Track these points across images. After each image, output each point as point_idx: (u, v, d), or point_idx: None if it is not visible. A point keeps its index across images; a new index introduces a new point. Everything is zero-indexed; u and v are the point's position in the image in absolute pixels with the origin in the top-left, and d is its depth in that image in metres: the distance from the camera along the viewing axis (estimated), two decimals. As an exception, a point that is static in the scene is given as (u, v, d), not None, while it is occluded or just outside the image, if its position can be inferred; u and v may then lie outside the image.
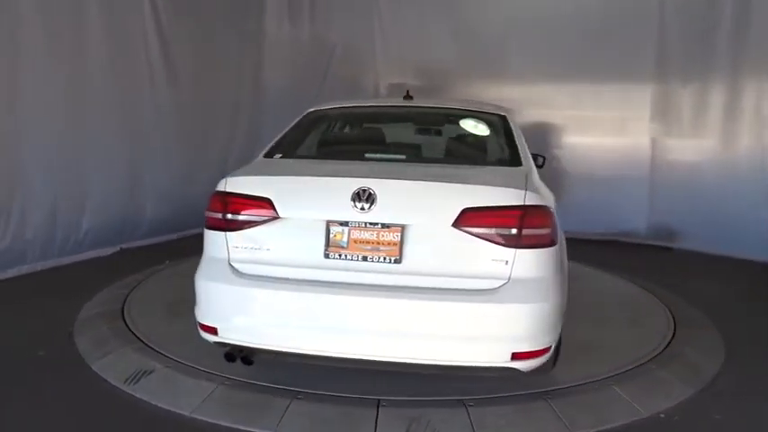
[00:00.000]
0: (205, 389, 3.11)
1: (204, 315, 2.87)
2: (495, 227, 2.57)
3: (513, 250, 2.56)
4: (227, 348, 2.88)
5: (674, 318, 4.41)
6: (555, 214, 2.85)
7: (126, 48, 6.08)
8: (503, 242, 2.57)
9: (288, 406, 2.96)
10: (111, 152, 5.92)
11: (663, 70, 6.92)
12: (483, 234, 2.57)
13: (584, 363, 3.57)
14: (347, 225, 2.66)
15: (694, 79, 6.77)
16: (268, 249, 2.76)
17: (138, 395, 3.13)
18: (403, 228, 2.63)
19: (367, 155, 3.25)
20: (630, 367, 3.51)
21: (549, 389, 3.18)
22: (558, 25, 7.25)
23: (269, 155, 3.34)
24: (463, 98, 7.34)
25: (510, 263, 2.56)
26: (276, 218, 2.74)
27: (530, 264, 2.60)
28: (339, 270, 2.67)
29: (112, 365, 3.43)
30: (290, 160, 3.29)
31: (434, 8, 7.99)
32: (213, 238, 2.85)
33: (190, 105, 6.81)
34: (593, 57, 7.12)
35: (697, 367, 3.67)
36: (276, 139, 3.56)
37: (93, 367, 3.44)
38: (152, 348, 3.54)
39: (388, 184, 2.68)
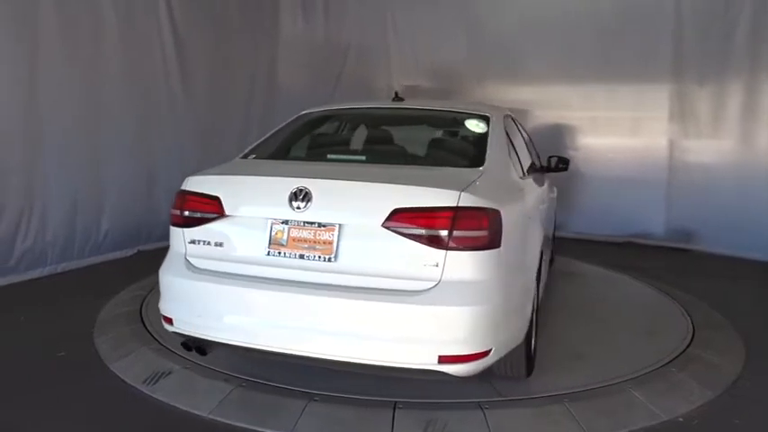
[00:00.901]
0: (222, 390, 3.13)
1: (163, 306, 3.01)
2: (425, 228, 2.53)
3: (443, 252, 2.51)
4: (184, 338, 2.99)
5: (692, 320, 4.37)
6: (510, 216, 2.76)
7: (141, 49, 6.15)
8: (433, 244, 2.52)
9: (304, 408, 2.97)
10: (127, 153, 5.99)
11: (680, 70, 6.86)
12: (413, 235, 2.53)
13: (601, 365, 3.56)
14: (287, 224, 2.71)
15: (712, 79, 6.71)
16: (219, 245, 2.84)
17: (156, 396, 3.16)
18: (338, 227, 2.65)
19: (330, 156, 3.37)
20: (649, 370, 3.49)
21: (566, 392, 3.17)
22: (574, 25, 7.22)
23: (246, 155, 3.44)
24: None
25: (441, 265, 2.51)
26: (225, 216, 2.83)
27: (463, 266, 2.53)
28: (279, 267, 2.71)
29: (131, 366, 3.47)
30: (258, 161, 3.38)
31: (448, 10, 7.99)
32: (174, 234, 2.99)
33: (204, 105, 6.87)
34: (610, 57, 7.08)
35: (716, 370, 3.63)
36: (260, 140, 3.67)
37: (112, 368, 3.49)
38: (170, 350, 3.57)
39: (323, 185, 2.72)
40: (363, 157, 3.44)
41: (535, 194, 3.66)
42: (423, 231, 2.52)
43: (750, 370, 3.66)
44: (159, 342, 3.67)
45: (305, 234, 2.68)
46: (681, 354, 3.77)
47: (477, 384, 3.23)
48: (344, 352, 2.63)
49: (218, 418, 2.94)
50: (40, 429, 2.89)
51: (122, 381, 3.34)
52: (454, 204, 2.51)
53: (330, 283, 2.63)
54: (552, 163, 4.82)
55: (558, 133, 7.53)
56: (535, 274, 3.22)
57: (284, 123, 3.87)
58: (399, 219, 2.54)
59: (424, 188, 2.61)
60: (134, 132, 6.06)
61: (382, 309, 2.55)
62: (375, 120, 4.04)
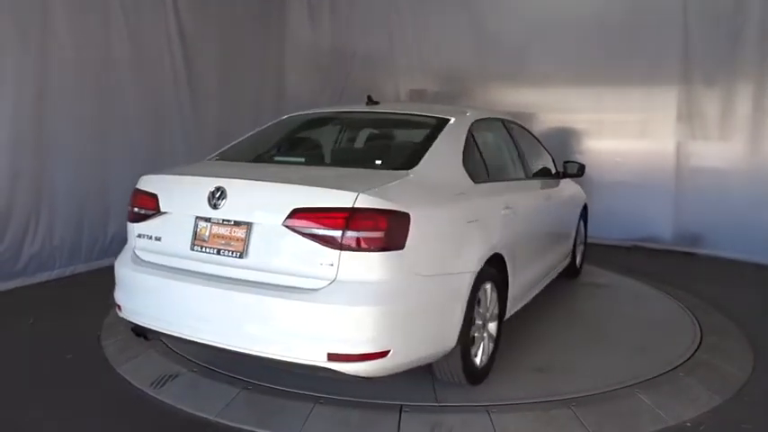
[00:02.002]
0: (229, 393, 3.14)
1: (115, 294, 3.22)
2: (321, 228, 2.58)
3: (338, 252, 2.56)
4: (132, 325, 3.15)
5: (699, 325, 4.35)
6: (429, 219, 2.79)
7: (150, 54, 6.18)
8: (328, 243, 2.56)
9: (311, 410, 2.98)
10: (135, 157, 6.00)
11: (688, 72, 6.83)
12: (310, 234, 2.59)
13: (606, 369, 3.54)
14: (209, 221, 2.85)
15: (720, 81, 6.68)
16: (158, 240, 3.03)
17: (163, 398, 3.17)
18: (249, 225, 2.75)
19: (276, 158, 3.50)
20: (656, 375, 3.47)
21: (573, 396, 3.16)
22: (580, 28, 7.21)
23: (212, 157, 3.60)
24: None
25: (336, 264, 2.56)
26: (161, 212, 3.02)
27: (357, 266, 2.57)
28: (201, 262, 2.85)
29: (138, 369, 3.49)
30: (212, 161, 3.55)
31: (455, 13, 7.99)
32: (128, 229, 3.21)
33: (212, 110, 6.90)
34: (617, 60, 7.06)
35: (724, 375, 3.61)
36: (233, 143, 3.82)
37: (120, 371, 3.50)
38: (177, 353, 3.59)
39: (236, 184, 2.84)
40: (303, 159, 3.52)
41: (504, 200, 3.54)
42: (319, 231, 2.58)
43: (758, 375, 3.64)
44: (166, 345, 3.68)
45: (222, 231, 2.81)
46: (688, 359, 3.75)
47: (483, 389, 3.24)
48: (246, 344, 2.71)
49: (225, 421, 2.95)
50: (48, 431, 2.91)
51: (129, 383, 3.36)
52: (350, 205, 2.55)
53: (239, 278, 2.74)
54: (567, 169, 4.87)
55: (565, 136, 7.52)
56: (472, 281, 3.03)
57: (265, 126, 4.01)
58: (298, 218, 2.61)
59: (323, 189, 2.67)
60: (141, 136, 6.09)
61: (277, 304, 2.62)
62: (337, 123, 4.13)
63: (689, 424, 3.05)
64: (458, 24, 7.98)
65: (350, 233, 2.54)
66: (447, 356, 2.98)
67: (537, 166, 4.64)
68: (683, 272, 6.10)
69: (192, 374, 3.36)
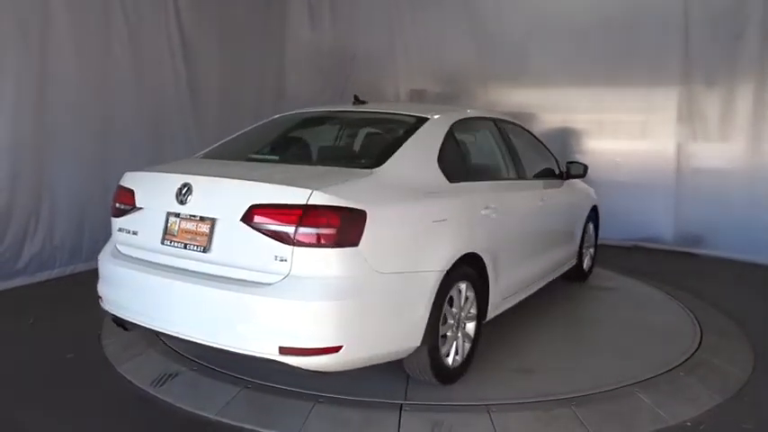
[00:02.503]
0: (229, 392, 3.15)
1: (98, 285, 3.34)
2: (275, 224, 2.63)
3: (291, 248, 2.60)
4: (112, 315, 3.25)
5: (700, 325, 4.35)
6: (391, 218, 2.83)
7: (150, 55, 6.19)
8: (282, 239, 2.62)
9: (311, 409, 2.98)
10: (135, 157, 5.99)
11: (688, 73, 6.83)
12: (266, 230, 2.65)
13: (606, 369, 3.55)
14: (179, 216, 2.93)
15: (721, 82, 6.69)
16: (135, 234, 3.13)
17: (163, 397, 3.17)
18: (213, 221, 2.82)
19: (251, 155, 3.53)
20: (656, 374, 3.47)
21: (573, 395, 3.16)
22: (581, 27, 7.21)
23: (199, 155, 3.69)
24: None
25: (289, 260, 2.61)
26: (137, 207, 3.13)
27: (310, 262, 2.61)
28: (170, 255, 2.94)
29: (139, 368, 3.49)
30: (197, 159, 3.62)
31: (455, 13, 8.00)
32: (112, 224, 3.30)
33: (213, 111, 6.90)
34: (617, 60, 7.06)
35: (725, 375, 3.61)
36: (222, 141, 3.90)
37: (120, 370, 3.51)
38: (177, 352, 3.58)
39: (202, 181, 2.92)
40: (276, 157, 3.57)
41: (485, 199, 3.52)
42: (273, 227, 2.63)
43: (758, 375, 3.64)
44: (166, 344, 3.68)
45: (189, 226, 2.89)
46: (689, 358, 3.75)
47: (479, 389, 3.24)
48: (206, 336, 2.78)
49: (225, 420, 2.96)
50: (48, 430, 2.91)
51: (130, 382, 3.36)
52: (303, 202, 2.60)
53: (203, 272, 2.82)
54: (570, 169, 4.84)
55: (566, 137, 7.52)
56: (438, 280, 3.00)
57: (251, 126, 4.11)
58: (255, 214, 2.67)
59: (279, 186, 2.72)
60: (142, 136, 6.09)
61: (233, 298, 2.68)
62: (319, 123, 4.16)
63: (689, 423, 3.05)
64: (458, 25, 7.98)
65: (303, 229, 2.59)
66: (415, 354, 2.99)
67: (537, 166, 4.63)
68: (683, 272, 6.10)
69: (192, 373, 3.36)
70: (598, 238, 5.77)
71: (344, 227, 2.62)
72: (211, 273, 2.79)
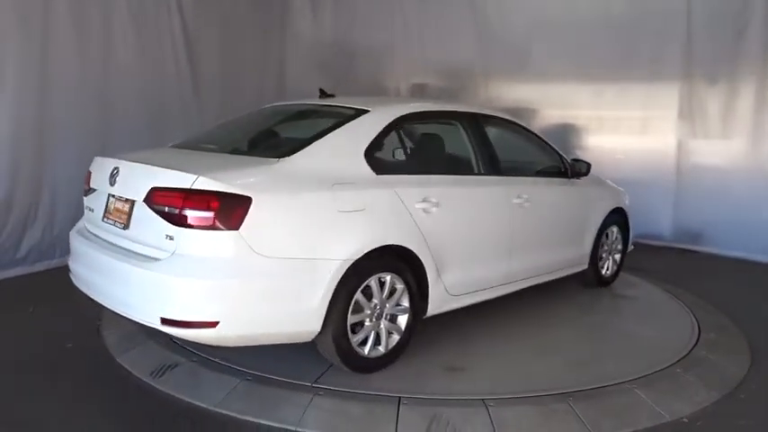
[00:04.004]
0: (228, 383, 3.16)
1: (69, 259, 3.61)
2: (165, 205, 2.86)
3: (177, 228, 2.81)
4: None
5: (698, 322, 4.36)
6: (281, 205, 2.94)
7: (152, 47, 6.17)
8: (170, 219, 2.84)
9: (310, 401, 2.99)
10: (136, 148, 5.98)
11: (690, 70, 6.80)
12: (159, 210, 2.89)
13: (601, 365, 3.56)
14: (114, 197, 3.24)
15: (722, 79, 6.66)
16: (92, 211, 3.47)
17: (163, 388, 3.18)
18: (132, 201, 3.08)
19: (201, 145, 3.70)
20: (653, 371, 3.48)
21: (571, 390, 3.18)
22: (583, 24, 7.19)
23: (170, 144, 3.88)
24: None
25: (175, 239, 2.83)
26: (92, 189, 3.47)
27: (191, 242, 2.81)
28: (106, 231, 3.27)
29: (138, 359, 3.50)
30: (162, 148, 3.81)
31: (457, 8, 7.98)
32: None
33: (214, 104, 6.88)
34: (619, 56, 7.04)
35: (722, 372, 3.63)
36: (194, 133, 4.17)
37: (119, 360, 3.52)
38: (177, 343, 3.58)
39: (125, 165, 3.22)
40: (215, 147, 3.66)
41: (423, 193, 3.45)
42: (164, 208, 2.87)
43: (755, 372, 3.66)
44: (167, 335, 3.68)
45: (118, 205, 3.19)
46: (686, 355, 3.76)
47: (480, 382, 3.25)
48: (112, 304, 3.07)
49: (224, 411, 2.97)
50: (47, 420, 2.92)
51: (129, 372, 3.37)
52: (188, 186, 2.81)
53: (123, 246, 3.10)
54: (573, 168, 4.63)
55: (567, 133, 7.51)
56: (342, 269, 3.05)
57: (228, 119, 4.35)
58: (154, 196, 2.92)
59: (172, 171, 2.94)
60: (143, 130, 6.07)
61: (129, 270, 2.94)
62: (273, 115, 4.17)
63: (686, 420, 3.07)
64: (461, 20, 7.96)
65: (186, 211, 2.80)
66: (320, 339, 3.09)
67: (530, 163, 4.56)
68: (682, 269, 6.11)
69: (191, 364, 3.37)
70: (629, 243, 5.37)
71: (224, 211, 2.78)
72: (127, 248, 3.07)
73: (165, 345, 3.59)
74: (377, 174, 3.33)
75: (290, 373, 3.22)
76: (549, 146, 4.64)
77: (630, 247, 5.46)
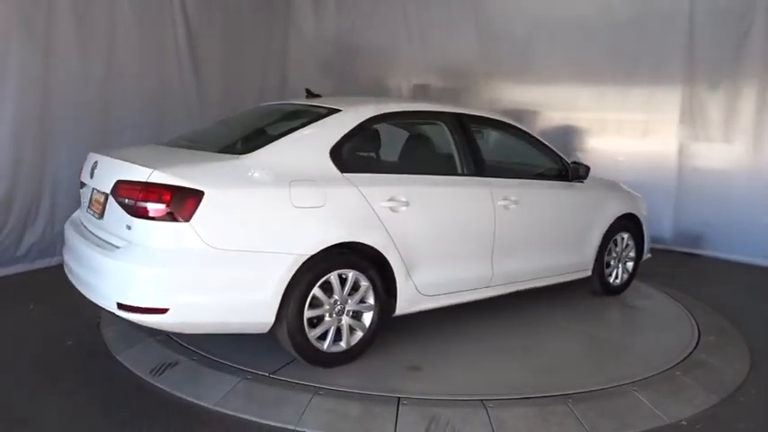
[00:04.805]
0: (228, 382, 3.16)
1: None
2: (125, 197, 3.03)
3: (134, 218, 2.97)
4: None
5: (698, 325, 4.36)
6: (235, 200, 3.03)
7: (155, 45, 6.17)
8: (128, 211, 3.00)
9: (309, 401, 2.99)
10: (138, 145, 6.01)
11: (692, 73, 6.81)
12: (121, 202, 3.05)
13: (602, 368, 3.56)
14: (96, 190, 3.38)
15: (724, 83, 6.66)
16: (83, 203, 3.62)
17: (162, 386, 3.19)
18: (106, 194, 3.21)
19: (182, 142, 3.79)
20: (653, 374, 3.49)
21: (570, 392, 3.18)
22: (586, 26, 7.20)
23: (161, 142, 3.98)
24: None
25: (132, 229, 2.98)
26: (83, 183, 3.62)
27: (145, 232, 2.95)
28: (89, 222, 3.45)
29: (138, 357, 3.50)
30: (147, 146, 3.96)
31: (460, 9, 7.98)
32: None
33: (216, 102, 6.87)
34: (621, 59, 7.05)
35: (721, 375, 3.63)
36: (185, 132, 4.27)
37: (119, 358, 3.52)
38: (177, 341, 3.59)
39: (102, 159, 3.41)
40: (192, 144, 3.72)
41: (391, 192, 3.45)
42: (124, 200, 3.03)
43: (755, 375, 3.66)
44: (166, 333, 3.69)
45: (97, 197, 3.34)
46: (686, 358, 3.76)
47: (480, 381, 3.25)
48: (86, 290, 3.20)
49: (223, 410, 2.97)
50: (47, 417, 2.93)
51: (129, 370, 3.38)
52: (144, 180, 2.95)
53: (98, 235, 3.27)
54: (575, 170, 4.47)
55: (569, 134, 7.51)
56: (296, 263, 3.10)
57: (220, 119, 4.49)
58: (117, 188, 3.09)
59: (132, 165, 3.11)
60: (145, 128, 6.06)
61: (94, 257, 3.12)
62: (258, 114, 4.21)
63: (685, 423, 3.07)
64: (463, 20, 7.96)
65: (141, 203, 2.93)
66: (276, 330, 3.17)
67: (523, 165, 4.53)
68: (681, 272, 6.10)
69: (191, 363, 3.37)
70: (644, 251, 5.12)
71: (176, 203, 2.91)
72: (101, 237, 3.23)
73: (164, 343, 3.60)
74: (342, 172, 3.38)
75: (289, 373, 3.23)
76: (547, 147, 4.50)
77: (647, 256, 5.21)
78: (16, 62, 4.92)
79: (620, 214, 4.80)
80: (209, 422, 2.90)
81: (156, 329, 3.65)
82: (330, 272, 3.24)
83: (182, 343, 3.57)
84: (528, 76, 7.68)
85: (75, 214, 3.79)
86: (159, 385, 3.20)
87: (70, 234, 3.53)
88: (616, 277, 4.95)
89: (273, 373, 3.23)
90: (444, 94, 8.06)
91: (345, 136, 3.49)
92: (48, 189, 5.28)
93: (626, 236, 4.93)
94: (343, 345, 3.35)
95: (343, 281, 3.30)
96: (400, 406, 2.97)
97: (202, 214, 2.91)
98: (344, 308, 3.34)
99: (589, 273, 4.70)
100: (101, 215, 3.24)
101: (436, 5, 8.13)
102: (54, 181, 5.30)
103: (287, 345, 3.22)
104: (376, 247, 3.38)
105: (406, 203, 3.49)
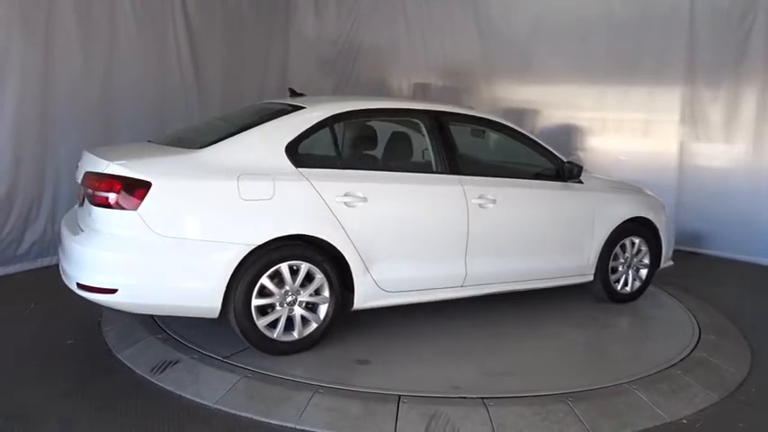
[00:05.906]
0: (229, 380, 3.16)
1: None
2: (89, 187, 3.27)
3: (93, 207, 3.22)
4: None
5: (698, 324, 4.36)
6: (184, 191, 3.23)
7: (156, 45, 6.16)
8: (90, 199, 3.25)
9: (309, 399, 3.00)
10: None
11: (693, 73, 6.80)
12: (86, 192, 3.31)
13: (601, 367, 3.56)
14: (80, 182, 3.54)
15: (725, 83, 6.65)
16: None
17: (163, 384, 3.19)
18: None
19: (166, 139, 3.93)
20: (653, 372, 3.49)
21: (570, 391, 3.18)
22: (587, 25, 7.19)
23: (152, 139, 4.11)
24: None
25: (92, 216, 3.24)
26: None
27: (100, 219, 3.21)
28: (78, 213, 3.61)
29: (139, 355, 3.50)
30: (139, 143, 4.11)
31: (461, 8, 7.98)
32: None
33: (217, 102, 6.86)
34: (622, 58, 7.04)
35: (721, 374, 3.63)
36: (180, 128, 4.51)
37: (120, 356, 3.52)
38: (177, 339, 3.60)
39: (85, 156, 3.57)
40: (173, 140, 3.84)
41: (347, 188, 3.48)
42: (89, 190, 3.26)
43: (755, 374, 3.66)
44: (167, 332, 3.70)
45: (83, 189, 3.47)
46: (686, 357, 3.76)
47: (479, 381, 3.25)
48: (62, 274, 3.43)
49: (224, 408, 2.98)
50: (47, 415, 2.93)
51: (129, 369, 3.38)
52: (101, 171, 3.22)
53: (78, 223, 3.48)
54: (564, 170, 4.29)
55: (569, 133, 7.51)
56: (242, 253, 3.21)
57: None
58: (85, 179, 3.33)
59: (96, 158, 3.36)
60: (145, 126, 6.06)
61: (66, 241, 3.43)
62: (241, 113, 4.23)
63: (685, 421, 3.08)
64: (463, 20, 7.97)
65: (97, 192, 3.19)
66: (227, 317, 3.31)
67: (507, 163, 4.52)
68: (682, 271, 6.09)
69: (192, 361, 3.37)
70: (663, 258, 4.87)
71: (125, 193, 3.13)
72: (78, 223, 3.47)
73: (165, 341, 3.60)
74: (297, 167, 3.45)
75: (290, 370, 3.23)
76: (539, 146, 4.33)
77: (668, 263, 4.95)
78: (17, 61, 4.92)
79: (627, 217, 4.54)
80: (210, 420, 2.91)
81: (155, 329, 3.73)
82: (280, 263, 3.34)
83: (182, 341, 3.57)
84: (529, 75, 7.67)
85: (72, 210, 3.90)
86: (160, 384, 3.20)
87: (62, 226, 3.71)
88: (625, 284, 4.68)
89: (227, 357, 3.36)
90: (445, 93, 8.05)
91: (304, 133, 3.58)
92: (48, 188, 5.28)
93: (637, 241, 4.66)
94: (295, 335, 3.43)
95: (294, 272, 3.37)
96: (400, 404, 2.97)
97: (150, 203, 3.12)
98: (296, 299, 3.42)
99: (590, 278, 4.48)
100: (81, 204, 3.52)
101: (437, 5, 8.13)
102: (55, 180, 5.30)
103: (237, 331, 3.34)
104: (328, 240, 3.45)
105: (364, 199, 3.52)
